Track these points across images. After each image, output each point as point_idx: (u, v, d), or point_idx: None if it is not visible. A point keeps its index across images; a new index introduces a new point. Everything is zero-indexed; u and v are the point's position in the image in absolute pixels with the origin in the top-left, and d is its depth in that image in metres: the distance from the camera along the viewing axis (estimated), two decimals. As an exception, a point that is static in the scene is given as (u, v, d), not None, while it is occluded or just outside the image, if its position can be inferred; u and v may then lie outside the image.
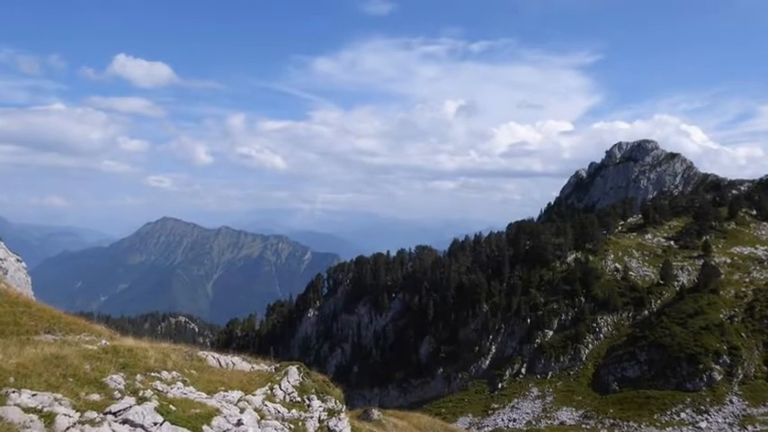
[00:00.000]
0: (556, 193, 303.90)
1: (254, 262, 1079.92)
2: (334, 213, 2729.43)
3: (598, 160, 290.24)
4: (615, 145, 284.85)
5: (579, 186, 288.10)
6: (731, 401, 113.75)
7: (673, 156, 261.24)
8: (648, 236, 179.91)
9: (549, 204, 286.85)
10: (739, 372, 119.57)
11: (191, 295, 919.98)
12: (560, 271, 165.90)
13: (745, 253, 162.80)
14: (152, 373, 21.80)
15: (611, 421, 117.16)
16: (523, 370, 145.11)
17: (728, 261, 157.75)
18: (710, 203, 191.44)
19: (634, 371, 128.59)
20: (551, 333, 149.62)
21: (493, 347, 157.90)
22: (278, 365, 29.00)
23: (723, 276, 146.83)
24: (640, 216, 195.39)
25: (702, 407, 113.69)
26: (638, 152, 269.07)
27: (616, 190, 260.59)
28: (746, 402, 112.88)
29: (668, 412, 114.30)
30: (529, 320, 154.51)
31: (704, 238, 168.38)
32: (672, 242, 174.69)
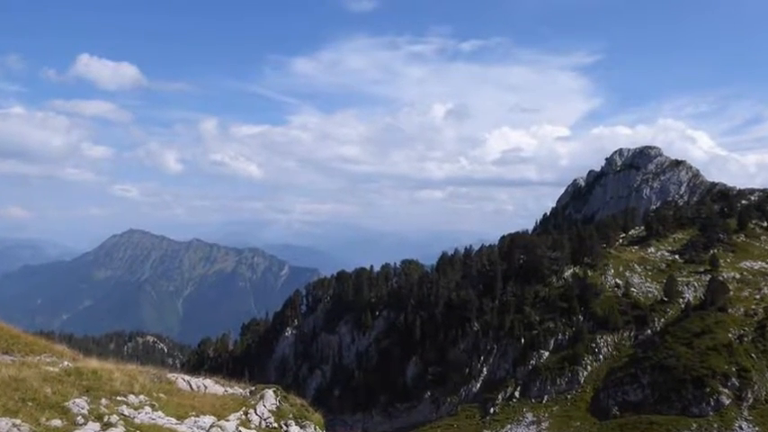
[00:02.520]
0: (552, 204, 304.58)
1: (228, 277, 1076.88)
2: (313, 225, 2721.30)
3: (597, 168, 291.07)
4: (616, 151, 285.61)
5: (577, 196, 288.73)
6: (740, 427, 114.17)
7: (678, 163, 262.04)
8: (651, 249, 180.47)
9: (545, 215, 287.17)
10: (749, 395, 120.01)
11: (159, 313, 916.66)
12: (557, 287, 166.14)
13: (756, 268, 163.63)
14: (118, 397, 21.81)
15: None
16: (517, 393, 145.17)
17: (737, 276, 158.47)
18: (718, 214, 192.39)
19: (636, 394, 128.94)
20: (547, 354, 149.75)
21: (484, 369, 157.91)
22: (253, 389, 29.04)
23: (732, 293, 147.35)
24: (643, 228, 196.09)
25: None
26: (640, 159, 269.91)
27: (617, 200, 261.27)
28: (757, 428, 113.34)
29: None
30: (523, 340, 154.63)
31: (711, 251, 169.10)
32: (676, 256, 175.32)
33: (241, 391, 29.06)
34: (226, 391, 28.85)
